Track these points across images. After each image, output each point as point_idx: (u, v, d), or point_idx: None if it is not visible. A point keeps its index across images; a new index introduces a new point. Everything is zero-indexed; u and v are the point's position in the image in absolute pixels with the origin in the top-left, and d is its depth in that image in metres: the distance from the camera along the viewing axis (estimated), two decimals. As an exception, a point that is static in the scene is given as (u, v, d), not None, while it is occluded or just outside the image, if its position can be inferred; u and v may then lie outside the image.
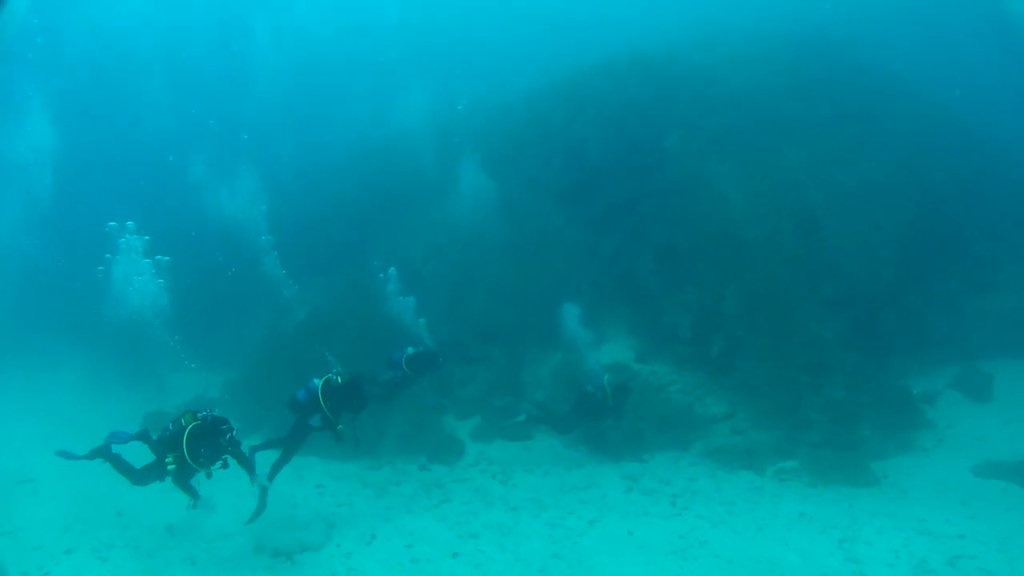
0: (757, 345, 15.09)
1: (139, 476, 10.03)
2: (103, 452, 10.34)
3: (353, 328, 17.15)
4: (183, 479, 9.69)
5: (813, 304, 15.74)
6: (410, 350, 13.88)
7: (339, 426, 11.31)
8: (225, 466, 9.84)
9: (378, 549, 10.76)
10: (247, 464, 10.28)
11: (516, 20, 28.52)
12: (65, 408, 17.36)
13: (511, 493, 12.85)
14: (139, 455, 10.17)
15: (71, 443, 10.85)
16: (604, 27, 22.28)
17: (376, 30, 27.87)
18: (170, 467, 9.55)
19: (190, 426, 9.57)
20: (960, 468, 12.44)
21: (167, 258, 16.88)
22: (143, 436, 10.36)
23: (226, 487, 10.54)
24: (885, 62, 20.48)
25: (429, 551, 10.71)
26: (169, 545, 10.97)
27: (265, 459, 11.25)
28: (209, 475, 9.81)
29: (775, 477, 12.64)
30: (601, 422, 13.87)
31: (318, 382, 11.34)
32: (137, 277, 16.52)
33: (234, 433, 9.75)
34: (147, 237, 16.52)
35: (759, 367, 14.79)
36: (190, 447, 9.45)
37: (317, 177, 24.47)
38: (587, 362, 15.25)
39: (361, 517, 11.91)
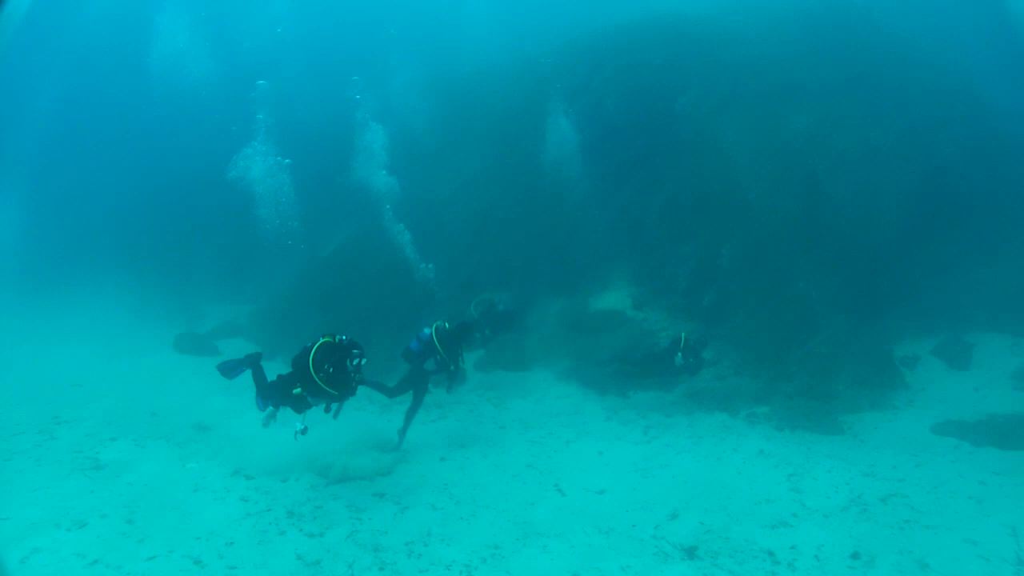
0: (748, 299, 15.93)
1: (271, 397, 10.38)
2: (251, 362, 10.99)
3: (371, 269, 18.32)
4: (300, 402, 9.85)
5: (807, 263, 16.35)
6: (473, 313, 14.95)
7: (451, 367, 12.50)
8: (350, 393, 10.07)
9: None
10: (376, 386, 11.41)
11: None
12: (110, 327, 19.99)
13: (502, 415, 14.15)
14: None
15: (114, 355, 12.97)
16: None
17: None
18: (296, 391, 9.71)
19: (320, 341, 9.77)
20: (922, 425, 13.21)
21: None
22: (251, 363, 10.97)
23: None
24: (898, 30, 20.75)
25: (420, 456, 12.01)
26: (198, 439, 12.57)
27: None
28: (328, 410, 10.24)
29: (746, 419, 13.55)
30: (674, 376, 14.66)
31: (428, 330, 12.49)
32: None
33: (363, 361, 9.83)
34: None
35: (747, 320, 15.65)
36: (316, 359, 9.61)
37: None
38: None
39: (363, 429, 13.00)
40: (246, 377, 10.93)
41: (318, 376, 9.55)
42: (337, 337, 9.78)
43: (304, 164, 19.52)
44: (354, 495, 10.62)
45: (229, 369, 10.96)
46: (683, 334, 14.41)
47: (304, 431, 9.75)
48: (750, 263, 16.40)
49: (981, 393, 14.51)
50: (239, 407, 12.81)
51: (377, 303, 17.38)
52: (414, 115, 21.74)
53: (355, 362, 9.69)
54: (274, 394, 10.20)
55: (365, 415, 13.96)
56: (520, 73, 22.60)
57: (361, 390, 10.42)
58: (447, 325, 12.58)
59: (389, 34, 23.89)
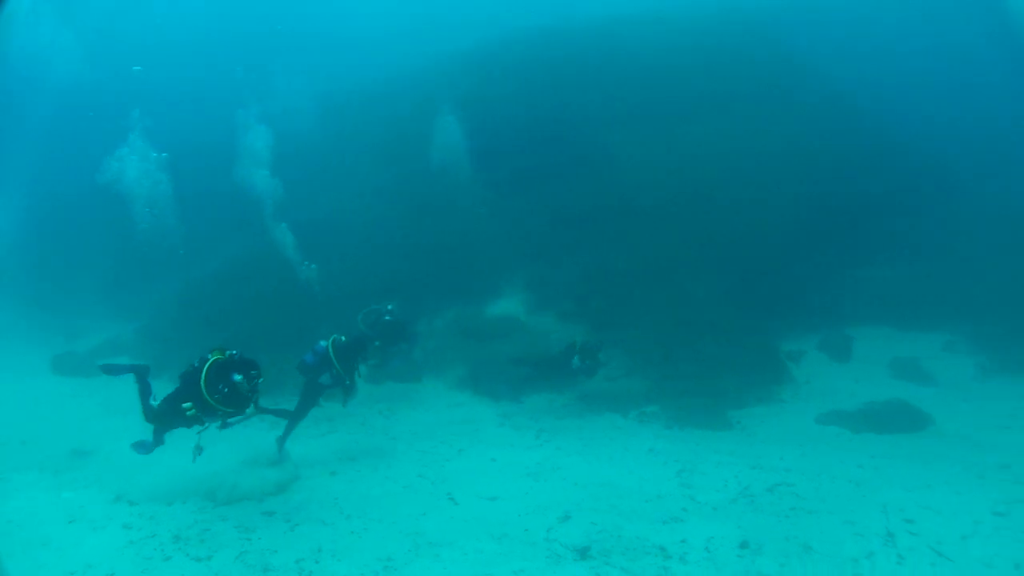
0: (638, 302, 16.16)
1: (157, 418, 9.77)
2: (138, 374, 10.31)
3: (262, 281, 17.83)
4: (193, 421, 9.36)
5: (697, 266, 16.83)
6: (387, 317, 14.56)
7: (347, 381, 12.08)
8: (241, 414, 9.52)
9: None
10: (277, 414, 10.67)
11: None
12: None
13: (394, 426, 13.87)
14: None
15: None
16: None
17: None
18: (189, 412, 9.19)
19: (211, 359, 9.23)
20: (807, 417, 13.63)
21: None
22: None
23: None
24: (784, 42, 21.50)
25: (310, 472, 11.63)
26: (76, 466, 11.97)
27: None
28: (224, 425, 9.62)
29: (636, 419, 13.67)
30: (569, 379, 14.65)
31: (324, 343, 12.05)
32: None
33: (259, 380, 9.34)
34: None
35: (637, 322, 15.84)
36: (208, 379, 9.09)
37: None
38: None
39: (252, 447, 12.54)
40: (130, 397, 10.31)
41: (213, 398, 9.09)
42: (227, 352, 9.33)
43: (186, 166, 18.82)
44: (243, 515, 10.17)
45: (113, 368, 10.44)
46: (579, 338, 14.46)
47: (200, 451, 9.38)
48: (641, 267, 16.68)
49: (861, 383, 15.14)
50: (122, 429, 12.07)
51: (269, 315, 16.89)
52: (303, 119, 21.23)
53: (252, 382, 9.25)
54: (162, 417, 9.66)
55: (253, 432, 13.41)
56: (415, 80, 22.44)
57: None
58: (343, 338, 12.24)
59: (276, 32, 23.12)
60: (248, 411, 9.54)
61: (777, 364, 15.67)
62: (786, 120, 19.40)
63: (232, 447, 11.17)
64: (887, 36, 21.61)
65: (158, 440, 9.97)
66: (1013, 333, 16.15)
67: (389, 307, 14.61)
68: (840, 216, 18.96)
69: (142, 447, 9.99)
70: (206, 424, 9.49)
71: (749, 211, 17.89)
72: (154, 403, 9.91)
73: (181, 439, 9.59)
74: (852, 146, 19.72)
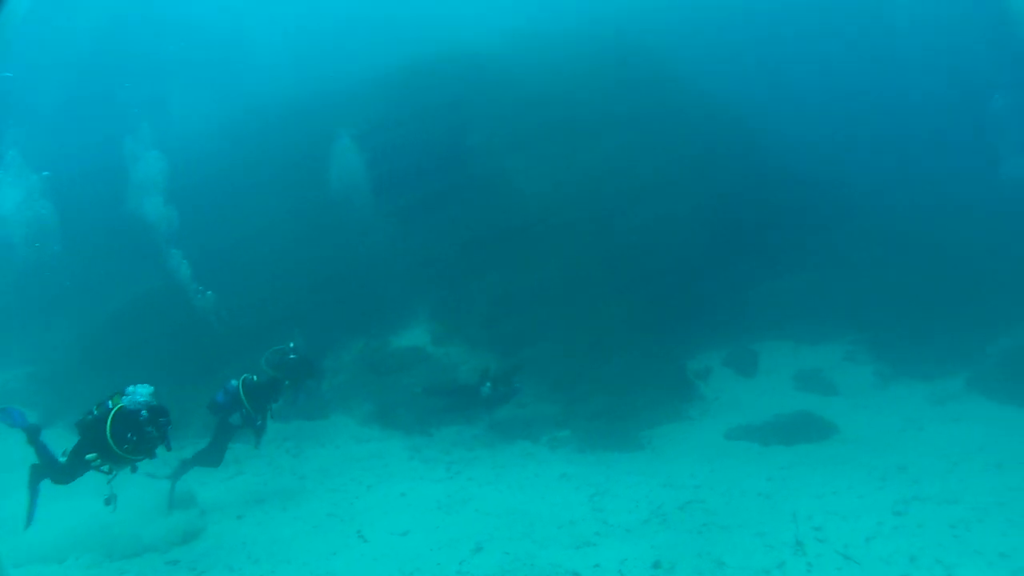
0: (545, 326, 16.11)
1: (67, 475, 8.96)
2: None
3: (162, 320, 17.14)
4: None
5: (603, 289, 16.86)
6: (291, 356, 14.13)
7: (258, 422, 11.64)
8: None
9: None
10: (196, 461, 10.30)
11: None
12: None
13: (301, 465, 13.42)
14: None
15: None
16: (414, 26, 22.57)
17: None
18: (94, 463, 8.58)
19: (116, 407, 8.57)
20: (716, 432, 13.81)
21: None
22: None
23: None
24: (681, 66, 21.99)
25: (216, 516, 11.18)
26: None
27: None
28: (135, 469, 8.98)
29: (547, 445, 13.58)
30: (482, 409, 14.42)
31: (235, 382, 11.60)
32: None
33: (168, 427, 8.75)
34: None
35: (546, 346, 15.80)
36: (114, 428, 8.41)
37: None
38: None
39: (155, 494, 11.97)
40: (11, 449, 9.66)
41: (121, 448, 8.39)
42: (127, 395, 8.67)
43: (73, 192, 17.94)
44: (145, 568, 9.68)
45: (6, 414, 9.40)
46: (492, 364, 14.36)
47: (114, 499, 8.67)
48: (547, 290, 16.63)
49: (767, 396, 15.47)
50: (3, 485, 11.38)
51: (167, 351, 16.21)
52: (199, 143, 20.52)
53: (162, 430, 8.62)
54: (72, 472, 8.87)
55: (156, 481, 12.88)
56: (313, 109, 22.05)
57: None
58: (255, 378, 11.86)
59: (172, 50, 22.14)
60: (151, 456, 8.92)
61: (685, 382, 15.85)
62: (683, 139, 19.71)
63: (135, 494, 10.52)
64: (783, 53, 22.24)
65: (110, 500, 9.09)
66: (908, 340, 16.77)
67: (292, 345, 14.23)
68: (741, 232, 19.31)
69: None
70: (114, 472, 8.85)
71: (652, 230, 18.04)
72: (63, 459, 9.01)
73: (73, 488, 8.95)
74: (750, 164, 20.17)
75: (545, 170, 18.79)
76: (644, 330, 16.52)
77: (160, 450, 8.97)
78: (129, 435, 8.43)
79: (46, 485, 9.12)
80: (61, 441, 9.26)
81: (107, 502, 8.67)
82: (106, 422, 8.44)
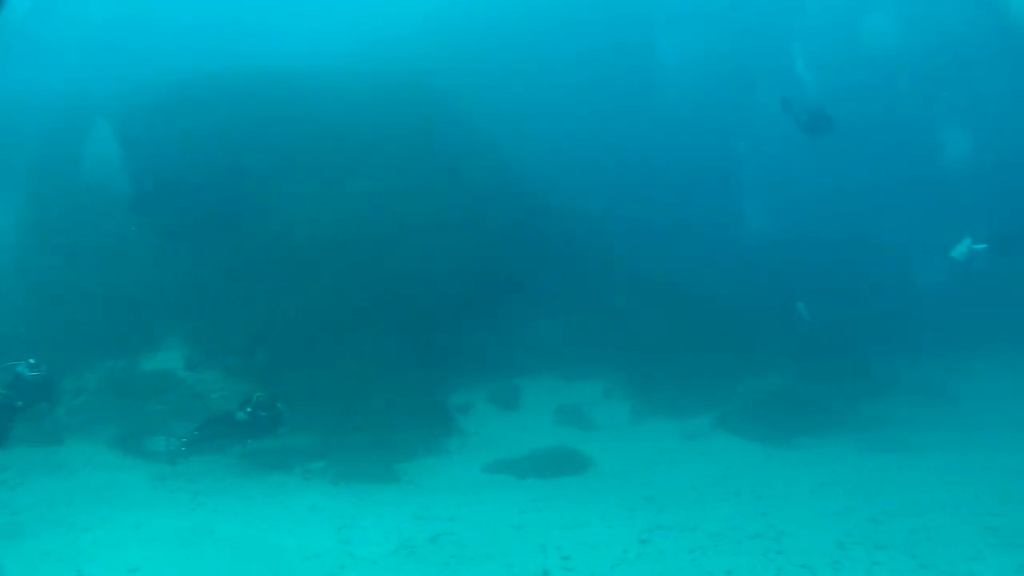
0: (305, 357, 15.75)
1: None
2: None
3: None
4: None
5: (368, 323, 16.77)
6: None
7: None
8: None
9: None
10: None
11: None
12: None
13: (21, 499, 12.08)
14: None
15: None
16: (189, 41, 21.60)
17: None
18: None
19: None
20: (474, 466, 14.02)
21: None
22: None
23: None
24: (464, 103, 22.43)
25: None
26: None
27: None
28: None
29: (301, 475, 13.19)
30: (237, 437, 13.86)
31: None
32: None
33: None
34: None
35: (304, 377, 15.41)
36: None
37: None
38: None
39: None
40: None
41: None
42: None
43: None
44: None
45: None
46: (256, 392, 13.75)
47: None
48: (310, 322, 16.30)
49: (528, 431, 15.92)
50: None
51: None
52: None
53: None
54: None
55: None
56: (76, 119, 20.48)
57: None
58: None
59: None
60: None
61: (446, 416, 15.96)
62: (459, 182, 20.05)
63: None
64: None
65: None
66: (660, 379, 17.82)
67: (32, 361, 13.11)
68: (509, 272, 19.81)
69: None
70: None
71: (422, 267, 18.16)
72: None
73: None
74: (524, 208, 20.81)
75: (316, 199, 18.52)
76: (408, 365, 16.58)
77: None
78: None
79: None
80: None
81: None
82: None
